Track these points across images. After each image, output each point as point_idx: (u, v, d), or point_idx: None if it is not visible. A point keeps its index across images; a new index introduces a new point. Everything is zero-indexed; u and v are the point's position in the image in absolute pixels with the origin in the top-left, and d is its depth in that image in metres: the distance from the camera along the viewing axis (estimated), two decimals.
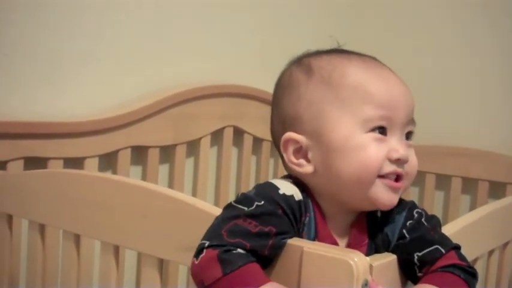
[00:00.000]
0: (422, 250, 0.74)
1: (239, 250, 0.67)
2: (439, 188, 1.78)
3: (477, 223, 0.97)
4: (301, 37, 1.68)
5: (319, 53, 0.83)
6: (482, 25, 1.72)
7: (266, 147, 1.65)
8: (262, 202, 0.72)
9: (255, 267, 0.67)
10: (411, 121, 0.80)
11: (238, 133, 1.59)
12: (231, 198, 1.61)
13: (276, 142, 0.85)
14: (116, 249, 0.92)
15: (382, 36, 1.85)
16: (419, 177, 1.77)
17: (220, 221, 0.71)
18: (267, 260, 0.70)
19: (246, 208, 0.71)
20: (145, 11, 1.39)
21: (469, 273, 0.73)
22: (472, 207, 1.70)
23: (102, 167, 1.30)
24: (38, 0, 1.21)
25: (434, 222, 0.80)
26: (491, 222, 1.03)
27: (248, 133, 1.60)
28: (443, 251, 0.74)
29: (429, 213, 0.83)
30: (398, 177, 0.77)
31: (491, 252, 1.07)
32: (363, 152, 0.75)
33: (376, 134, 0.76)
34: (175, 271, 1.39)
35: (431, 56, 1.81)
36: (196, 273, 0.68)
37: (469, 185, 1.72)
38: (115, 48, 1.34)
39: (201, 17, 1.50)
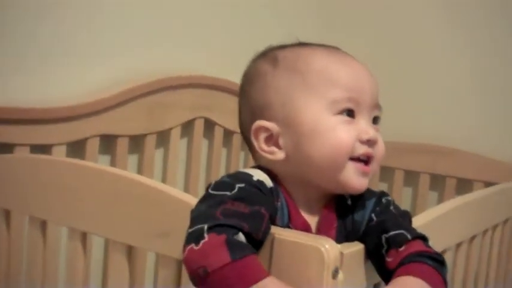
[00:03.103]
0: (389, 232, 0.75)
1: (241, 236, 0.66)
2: (407, 184, 1.80)
3: (446, 216, 0.98)
4: (273, 30, 1.67)
5: (282, 46, 0.85)
6: (453, 21, 1.74)
7: (237, 139, 1.64)
8: (243, 184, 0.72)
9: (258, 259, 0.66)
10: (377, 105, 0.82)
11: (209, 125, 1.58)
12: (201, 190, 1.60)
13: (245, 134, 0.86)
14: (84, 236, 0.90)
15: (354, 31, 1.85)
16: (388, 173, 1.79)
17: (206, 208, 0.69)
18: (259, 245, 0.69)
19: (228, 192, 0.70)
20: (120, 0, 1.37)
21: (437, 261, 0.73)
22: (440, 203, 1.71)
23: (70, 155, 1.27)
24: None
25: (402, 213, 0.81)
26: (459, 215, 1.04)
27: (219, 125, 1.59)
28: (409, 236, 0.75)
29: None
30: (368, 160, 0.79)
31: (459, 245, 1.08)
32: (332, 134, 0.77)
33: (344, 117, 0.78)
34: (143, 258, 1.38)
35: (398, 52, 1.82)
36: (196, 259, 0.65)
37: (437, 181, 1.74)
38: (86, 35, 1.32)
39: (174, 7, 1.49)
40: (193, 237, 0.66)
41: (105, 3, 1.35)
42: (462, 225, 1.07)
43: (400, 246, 0.74)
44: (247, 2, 1.67)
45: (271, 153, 0.80)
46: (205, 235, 0.65)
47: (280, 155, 0.79)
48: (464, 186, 1.69)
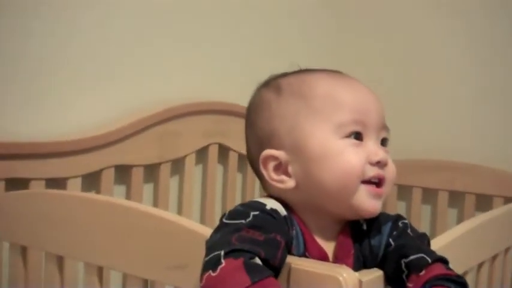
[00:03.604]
0: (409, 256, 0.74)
1: (258, 260, 0.65)
2: (426, 202, 1.77)
3: (466, 235, 0.96)
4: (285, 54, 1.68)
5: (285, 74, 0.85)
6: (470, 37, 1.73)
7: None
8: (258, 212, 0.71)
9: (276, 281, 0.66)
10: (384, 127, 0.81)
11: (223, 150, 1.58)
12: (217, 216, 1.58)
13: (254, 165, 0.85)
14: (100, 271, 0.90)
15: (370, 50, 1.85)
16: (406, 192, 1.77)
17: (221, 236, 0.69)
18: (276, 273, 0.68)
19: (243, 221, 0.70)
20: (129, 29, 1.38)
21: (459, 283, 0.72)
22: (459, 220, 1.70)
23: (85, 187, 1.28)
24: (20, 19, 1.19)
25: (420, 235, 0.80)
26: (479, 234, 1.02)
27: (233, 150, 1.59)
28: (429, 260, 0.73)
29: (417, 227, 0.82)
30: (380, 182, 0.78)
31: (480, 265, 1.06)
32: (341, 158, 0.76)
33: (352, 140, 0.77)
34: None
35: (416, 69, 1.81)
36: (215, 285, 0.64)
37: (456, 198, 1.72)
38: (97, 66, 1.33)
39: (185, 34, 1.50)
40: (210, 264, 0.65)
41: (115, 36, 1.36)
42: (483, 245, 1.05)
43: (421, 271, 0.73)
44: (259, 28, 1.68)
45: (281, 182, 0.79)
46: (222, 260, 0.65)
47: (290, 183, 0.78)
48: (483, 202, 1.66)
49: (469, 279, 0.98)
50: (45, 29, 1.23)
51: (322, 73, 0.83)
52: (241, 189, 1.65)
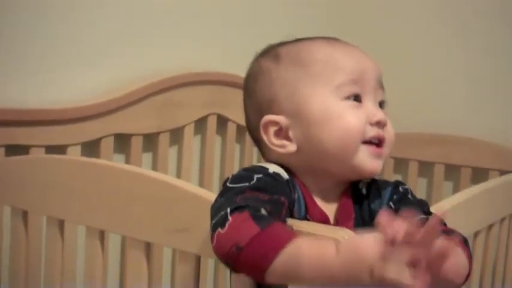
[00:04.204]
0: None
1: (264, 211, 0.67)
2: (422, 175, 1.78)
3: (463, 205, 0.97)
4: (284, 26, 1.67)
5: (283, 43, 0.86)
6: (467, 11, 1.73)
7: None
8: (261, 175, 0.73)
9: (284, 225, 0.67)
10: (381, 87, 0.82)
11: (222, 121, 1.58)
12: (215, 187, 1.60)
13: (253, 133, 0.86)
14: (102, 234, 0.91)
15: (367, 25, 1.85)
16: (402, 165, 1.78)
17: (226, 199, 0.70)
18: None
19: (247, 183, 0.71)
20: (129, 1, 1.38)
21: (462, 237, 0.74)
22: (455, 193, 1.71)
23: (85, 155, 1.28)
24: None
25: (420, 201, 0.82)
26: (476, 204, 1.03)
27: (232, 121, 1.59)
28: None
29: None
30: (380, 142, 0.79)
31: (476, 234, 1.08)
32: (342, 119, 0.78)
33: (352, 102, 0.79)
34: (159, 253, 1.38)
35: (414, 42, 1.81)
36: (226, 240, 0.66)
37: (452, 171, 1.73)
38: (98, 35, 1.32)
39: (185, 4, 1.49)
40: (218, 223, 0.67)
41: (116, 6, 1.35)
42: (479, 214, 1.07)
43: None
44: None
45: (282, 146, 0.80)
46: (229, 217, 0.66)
47: (291, 147, 0.80)
48: (479, 175, 1.67)
49: None
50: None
51: (320, 40, 0.84)
52: (239, 160, 1.66)
